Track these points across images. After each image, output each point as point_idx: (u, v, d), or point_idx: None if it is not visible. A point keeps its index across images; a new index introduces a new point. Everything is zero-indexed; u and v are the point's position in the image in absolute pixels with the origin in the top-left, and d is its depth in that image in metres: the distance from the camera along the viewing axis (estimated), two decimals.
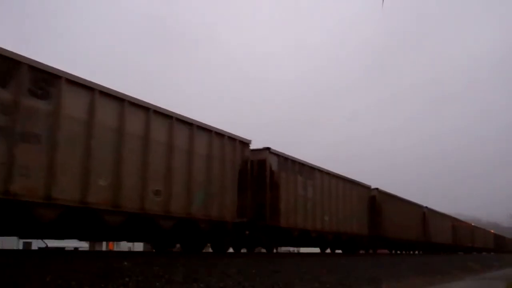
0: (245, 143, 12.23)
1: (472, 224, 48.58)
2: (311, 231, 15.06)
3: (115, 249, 25.56)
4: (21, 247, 25.79)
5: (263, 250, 15.33)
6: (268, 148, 13.17)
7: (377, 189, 21.20)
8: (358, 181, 19.24)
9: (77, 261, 7.16)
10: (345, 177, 17.87)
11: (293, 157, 14.30)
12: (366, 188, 20.36)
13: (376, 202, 21.04)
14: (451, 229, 36.68)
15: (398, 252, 27.12)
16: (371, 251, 22.10)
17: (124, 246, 27.45)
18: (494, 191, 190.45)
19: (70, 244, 19.50)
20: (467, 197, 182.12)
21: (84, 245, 21.52)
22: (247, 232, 12.88)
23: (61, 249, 11.30)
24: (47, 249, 10.30)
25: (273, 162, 13.35)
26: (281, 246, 17.15)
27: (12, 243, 24.19)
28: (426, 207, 29.43)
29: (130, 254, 10.01)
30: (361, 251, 21.08)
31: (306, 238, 15.26)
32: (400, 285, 13.32)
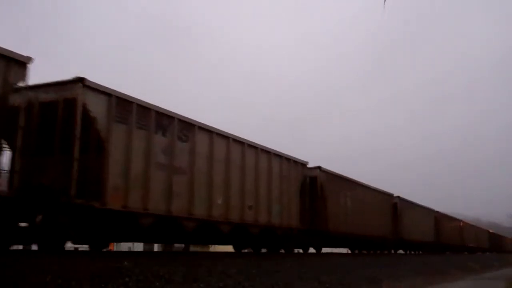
0: (12, 61, 6.78)
1: (464, 221, 42.90)
2: (183, 218, 9.45)
3: (115, 249, 24.08)
4: (21, 247, 24.60)
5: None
6: (81, 79, 7.61)
7: (319, 168, 15.67)
8: (285, 154, 13.79)
9: (77, 261, 7.13)
10: (259, 145, 12.33)
11: (146, 102, 8.78)
12: (300, 165, 14.73)
13: (318, 186, 15.44)
14: (433, 225, 30.91)
15: (365, 252, 21.83)
16: (313, 250, 16.40)
17: (124, 246, 25.87)
18: (494, 191, 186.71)
19: (70, 243, 17.91)
20: (467, 197, 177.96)
21: (84, 245, 19.10)
22: (38, 218, 7.33)
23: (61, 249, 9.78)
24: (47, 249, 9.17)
25: (94, 107, 7.84)
26: (119, 241, 11.65)
27: None
28: (398, 196, 23.69)
29: (130, 254, 9.47)
30: (296, 250, 15.55)
31: (176, 230, 9.65)
32: (400, 285, 13.12)
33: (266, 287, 8.77)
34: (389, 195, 25.09)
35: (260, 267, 9.92)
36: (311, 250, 18.12)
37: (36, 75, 8.01)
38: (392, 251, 27.80)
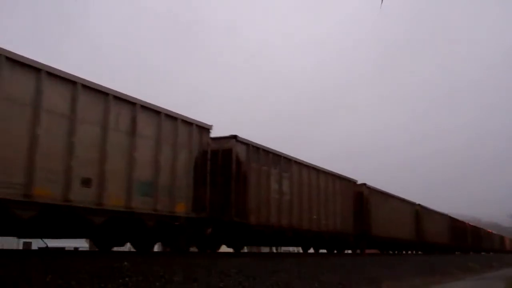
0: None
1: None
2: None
3: (115, 249, 26.08)
4: (21, 247, 25.65)
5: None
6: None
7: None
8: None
9: (77, 261, 7.12)
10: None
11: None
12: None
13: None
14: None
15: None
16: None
17: (125, 246, 27.55)
18: (494, 191, 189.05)
19: (70, 244, 19.42)
20: (467, 197, 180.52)
21: (84, 245, 21.08)
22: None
23: (61, 249, 11.18)
24: (47, 249, 10.04)
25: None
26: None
27: (12, 243, 24.00)
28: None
29: (130, 254, 9.97)
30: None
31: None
32: (400, 285, 13.30)
33: (266, 287, 8.79)
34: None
35: (260, 267, 9.93)
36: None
37: None
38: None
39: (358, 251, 20.75)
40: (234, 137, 11.82)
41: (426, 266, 20.33)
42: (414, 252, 29.21)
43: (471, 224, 48.00)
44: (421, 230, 28.02)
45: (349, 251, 19.86)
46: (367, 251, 22.49)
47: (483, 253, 50.13)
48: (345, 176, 18.20)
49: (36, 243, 21.54)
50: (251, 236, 12.65)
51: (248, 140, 12.29)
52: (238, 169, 11.87)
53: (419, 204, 28.59)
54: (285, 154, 13.96)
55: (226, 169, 11.75)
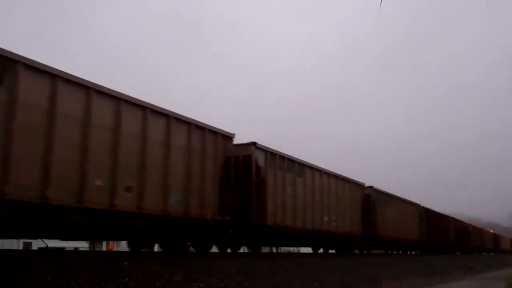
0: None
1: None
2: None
3: (115, 249, 24.67)
4: (21, 247, 25.86)
5: None
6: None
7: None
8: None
9: (77, 261, 7.30)
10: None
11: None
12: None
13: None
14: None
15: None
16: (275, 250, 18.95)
17: (124, 246, 27.93)
18: (494, 191, 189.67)
19: (70, 244, 18.95)
20: (467, 197, 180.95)
21: (84, 245, 20.82)
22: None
23: (61, 249, 11.28)
24: (47, 249, 10.20)
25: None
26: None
27: (12, 243, 24.06)
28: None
29: (130, 254, 10.13)
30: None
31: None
32: (400, 285, 13.46)
33: (266, 287, 8.83)
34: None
35: (260, 267, 10.03)
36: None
37: None
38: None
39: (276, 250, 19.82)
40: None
41: (427, 266, 20.64)
42: (364, 252, 22.43)
43: (459, 220, 43.55)
44: (373, 222, 21.44)
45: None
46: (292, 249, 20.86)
47: (474, 253, 45.85)
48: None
49: (36, 243, 21.86)
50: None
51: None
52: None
53: (371, 187, 22.05)
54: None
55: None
